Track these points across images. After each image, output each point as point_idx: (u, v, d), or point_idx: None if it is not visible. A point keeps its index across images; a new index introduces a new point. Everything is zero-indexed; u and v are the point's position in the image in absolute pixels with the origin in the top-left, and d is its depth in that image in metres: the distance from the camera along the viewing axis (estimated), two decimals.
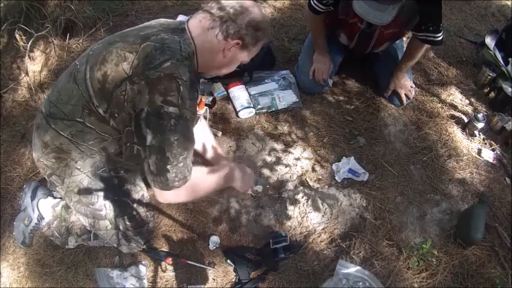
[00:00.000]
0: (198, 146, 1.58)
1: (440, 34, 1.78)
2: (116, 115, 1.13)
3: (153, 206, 1.63)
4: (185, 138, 1.11)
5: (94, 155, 1.27)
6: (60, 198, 1.56)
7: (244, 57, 1.25)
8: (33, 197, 1.58)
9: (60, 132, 1.23)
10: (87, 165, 1.29)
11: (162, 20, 1.26)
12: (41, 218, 1.56)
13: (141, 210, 1.49)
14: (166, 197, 1.20)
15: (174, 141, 1.08)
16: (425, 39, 1.81)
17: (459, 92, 2.29)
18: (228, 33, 1.14)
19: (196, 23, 1.17)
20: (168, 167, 1.09)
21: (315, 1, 1.80)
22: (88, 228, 1.47)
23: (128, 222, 1.44)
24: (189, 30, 1.17)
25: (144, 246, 1.54)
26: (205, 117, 1.86)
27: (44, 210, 1.56)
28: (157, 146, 1.07)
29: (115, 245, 1.51)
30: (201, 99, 1.49)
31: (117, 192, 1.41)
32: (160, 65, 1.07)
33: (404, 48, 2.09)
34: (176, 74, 1.07)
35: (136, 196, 1.47)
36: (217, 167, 1.42)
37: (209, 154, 1.63)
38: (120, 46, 1.13)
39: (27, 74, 2.14)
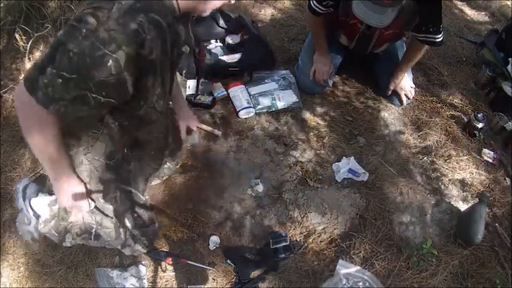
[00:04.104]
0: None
1: (440, 35, 1.78)
2: None
3: (154, 207, 1.62)
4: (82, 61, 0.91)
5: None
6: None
7: None
8: (24, 197, 1.55)
9: None
10: (95, 154, 1.25)
11: None
12: (37, 216, 1.54)
13: (146, 210, 1.46)
14: (20, 98, 0.99)
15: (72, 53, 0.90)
16: (425, 40, 1.81)
17: (459, 92, 2.29)
18: None
19: None
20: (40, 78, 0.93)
21: (315, 2, 1.80)
22: (94, 226, 1.45)
23: (135, 222, 1.40)
24: None
25: (148, 249, 1.53)
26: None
27: (38, 208, 1.52)
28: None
29: (119, 247, 1.47)
30: None
31: (124, 182, 1.34)
32: None
33: (405, 48, 2.09)
34: None
35: (138, 197, 1.45)
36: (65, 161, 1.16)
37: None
38: None
39: None
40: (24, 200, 1.54)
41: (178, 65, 1.32)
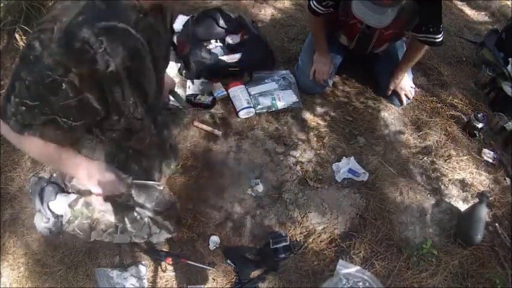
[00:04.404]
0: None
1: (440, 35, 1.77)
2: None
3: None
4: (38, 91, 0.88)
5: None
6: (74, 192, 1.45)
7: None
8: (41, 200, 1.55)
9: None
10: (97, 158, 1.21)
11: None
12: (56, 216, 1.53)
13: (165, 192, 1.40)
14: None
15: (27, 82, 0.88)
16: (425, 40, 1.81)
17: (459, 92, 2.29)
18: None
19: None
20: (11, 96, 0.92)
21: (315, 3, 1.80)
22: (117, 223, 1.44)
23: (156, 208, 1.36)
24: None
25: (174, 234, 1.50)
26: None
27: (58, 210, 1.52)
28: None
29: (145, 236, 1.42)
30: None
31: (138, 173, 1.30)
32: None
33: (405, 48, 2.09)
34: (59, 16, 0.85)
35: (157, 176, 1.38)
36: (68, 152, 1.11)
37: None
38: None
39: None
40: (42, 203, 1.52)
41: (168, 60, 1.23)
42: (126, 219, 1.37)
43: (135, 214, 1.36)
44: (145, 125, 1.17)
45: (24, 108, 0.90)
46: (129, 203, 1.33)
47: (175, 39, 1.11)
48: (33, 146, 1.00)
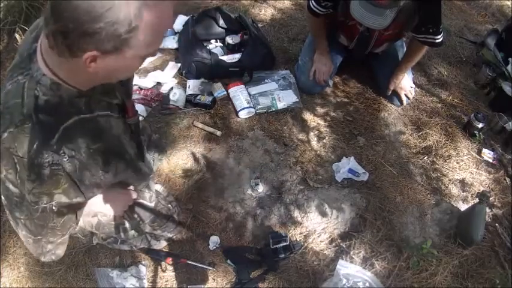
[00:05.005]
0: None
1: (440, 36, 1.77)
2: None
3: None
4: (36, 224, 0.92)
5: None
6: None
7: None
8: None
9: None
10: None
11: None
12: None
13: (161, 205, 1.46)
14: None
15: (24, 220, 0.91)
16: (425, 40, 1.81)
17: (459, 92, 2.29)
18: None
19: None
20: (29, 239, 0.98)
21: (314, 3, 1.81)
22: (119, 239, 1.47)
23: (152, 224, 1.41)
24: None
25: (174, 235, 1.58)
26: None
27: None
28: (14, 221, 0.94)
29: (146, 246, 1.52)
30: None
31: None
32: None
33: (405, 49, 2.09)
34: (12, 149, 0.78)
35: (150, 198, 1.41)
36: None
37: None
38: None
39: None
40: None
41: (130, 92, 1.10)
42: (123, 235, 1.40)
43: (133, 232, 1.38)
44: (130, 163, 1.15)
45: (43, 241, 0.97)
46: (124, 226, 1.36)
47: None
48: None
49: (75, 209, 0.99)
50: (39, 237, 0.95)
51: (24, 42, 0.89)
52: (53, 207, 0.87)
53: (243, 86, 2.13)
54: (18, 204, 0.86)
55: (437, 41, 1.79)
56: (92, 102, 0.87)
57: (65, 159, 0.81)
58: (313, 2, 1.81)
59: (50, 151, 0.78)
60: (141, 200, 1.36)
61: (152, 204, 1.40)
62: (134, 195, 1.32)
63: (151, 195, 1.42)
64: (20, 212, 0.88)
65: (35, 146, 0.77)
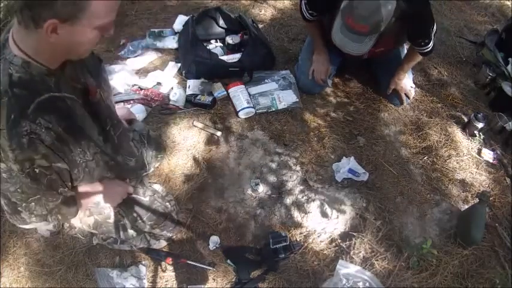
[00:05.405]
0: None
1: (429, 45, 1.79)
2: None
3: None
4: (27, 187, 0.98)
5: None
6: None
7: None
8: None
9: None
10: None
11: None
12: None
13: (158, 203, 1.47)
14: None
15: (14, 190, 0.98)
16: (417, 51, 1.85)
17: (459, 92, 2.29)
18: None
19: None
20: (19, 208, 1.03)
21: (304, 9, 1.84)
22: (118, 239, 1.47)
23: (149, 222, 1.41)
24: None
25: (174, 234, 1.60)
26: None
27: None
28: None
29: (145, 246, 1.54)
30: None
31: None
32: None
33: (405, 49, 2.09)
34: None
35: (144, 193, 1.44)
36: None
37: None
38: None
39: None
40: None
41: (107, 86, 1.21)
42: (123, 235, 1.40)
43: (132, 232, 1.39)
44: (115, 158, 1.23)
45: (32, 204, 1.01)
46: (122, 223, 1.37)
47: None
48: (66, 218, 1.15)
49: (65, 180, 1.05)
50: (35, 197, 1.01)
51: None
52: (35, 169, 0.92)
53: (243, 86, 2.13)
54: (9, 179, 0.94)
55: (425, 51, 1.82)
56: (60, 83, 0.95)
57: (43, 131, 0.89)
58: (303, 6, 1.84)
59: (26, 120, 0.86)
60: (134, 195, 1.39)
61: (147, 199, 1.42)
62: (131, 190, 1.36)
63: (145, 190, 1.45)
64: (12, 184, 0.96)
65: (12, 116, 0.85)
